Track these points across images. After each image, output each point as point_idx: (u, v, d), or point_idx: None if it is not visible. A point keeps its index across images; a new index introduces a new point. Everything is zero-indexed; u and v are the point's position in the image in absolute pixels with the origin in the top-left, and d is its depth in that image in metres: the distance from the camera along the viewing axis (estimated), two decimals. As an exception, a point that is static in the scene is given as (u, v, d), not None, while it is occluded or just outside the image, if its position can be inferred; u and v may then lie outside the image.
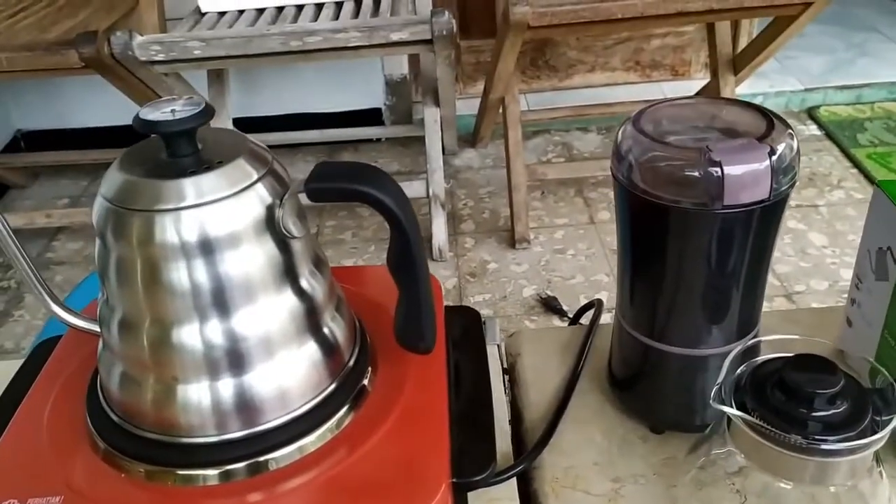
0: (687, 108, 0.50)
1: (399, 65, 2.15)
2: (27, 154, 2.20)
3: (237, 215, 0.43)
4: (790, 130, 0.46)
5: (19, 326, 1.60)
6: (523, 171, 1.69)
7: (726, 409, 0.42)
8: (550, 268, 1.64)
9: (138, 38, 1.33)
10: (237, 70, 2.01)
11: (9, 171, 2.05)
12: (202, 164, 0.43)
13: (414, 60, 2.15)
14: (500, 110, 1.74)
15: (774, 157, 0.43)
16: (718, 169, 0.43)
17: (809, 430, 0.41)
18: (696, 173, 0.44)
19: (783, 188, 0.45)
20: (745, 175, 0.43)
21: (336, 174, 0.44)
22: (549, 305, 1.53)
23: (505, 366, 0.65)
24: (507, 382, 0.63)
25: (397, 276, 0.46)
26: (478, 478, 0.46)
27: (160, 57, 1.34)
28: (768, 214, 0.46)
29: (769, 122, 0.46)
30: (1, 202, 2.04)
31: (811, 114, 2.17)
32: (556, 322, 1.49)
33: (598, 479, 0.52)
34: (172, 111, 0.42)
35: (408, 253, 0.44)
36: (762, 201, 0.44)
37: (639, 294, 0.52)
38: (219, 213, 0.42)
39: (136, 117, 0.42)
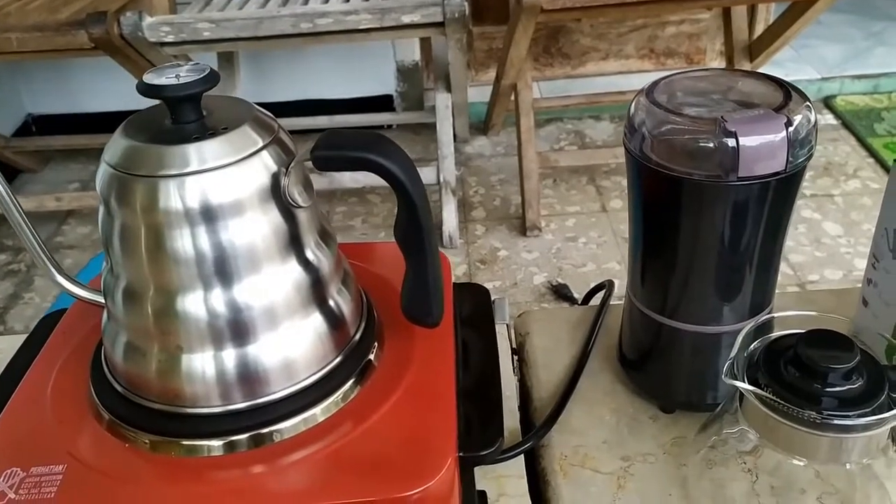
0: (702, 80, 0.49)
1: (411, 51, 2.14)
2: (38, 138, 2.20)
3: (241, 182, 0.42)
4: (807, 102, 0.45)
5: (29, 309, 1.60)
6: (535, 159, 1.68)
7: (739, 384, 0.41)
8: (561, 255, 1.63)
9: (148, 19, 1.32)
10: (247, 54, 2.00)
11: (20, 154, 2.05)
12: (207, 131, 0.42)
13: (426, 47, 2.14)
14: (513, 97, 1.73)
15: (791, 129, 0.42)
16: (733, 140, 0.42)
17: (824, 406, 0.40)
18: (711, 144, 0.43)
19: (800, 161, 0.44)
20: (761, 146, 0.42)
21: (343, 143, 0.43)
22: (560, 293, 1.52)
23: (514, 346, 0.64)
24: (515, 362, 0.62)
25: (404, 247, 0.45)
26: (484, 453, 0.45)
27: (169, 38, 1.34)
28: (784, 187, 0.45)
29: (786, 93, 0.45)
30: (12, 185, 2.04)
31: (828, 103, 2.15)
32: (567, 309, 1.48)
33: (607, 457, 0.51)
34: (177, 76, 0.42)
35: (415, 222, 0.44)
36: (778, 173, 0.43)
37: (651, 270, 0.51)
38: (223, 180, 0.41)
39: (141, 82, 0.41)
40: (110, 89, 2.10)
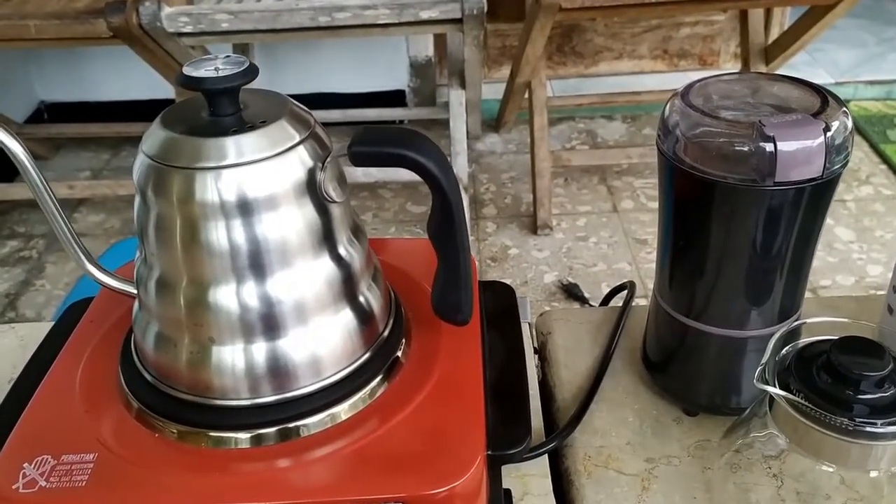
0: (737, 84, 0.49)
1: (424, 46, 2.14)
2: (50, 125, 2.21)
3: (278, 176, 0.42)
4: (844, 108, 0.45)
5: (40, 296, 1.60)
6: (547, 157, 1.68)
7: (771, 389, 0.41)
8: (572, 255, 1.63)
9: (167, 9, 1.32)
10: (262, 47, 2.00)
11: (32, 142, 2.05)
12: (245, 124, 0.42)
13: (439, 42, 2.14)
14: (526, 95, 1.73)
15: (829, 134, 0.42)
16: (771, 144, 0.42)
17: (855, 413, 0.40)
18: (748, 148, 0.43)
19: (836, 167, 0.43)
20: (799, 151, 0.42)
21: (380, 138, 0.43)
22: (571, 292, 1.52)
23: (535, 345, 0.64)
24: (537, 361, 0.62)
25: (437, 244, 0.45)
26: (512, 451, 0.45)
27: (188, 29, 1.34)
28: (819, 194, 0.45)
29: (823, 98, 0.45)
30: (24, 172, 2.05)
31: (840, 108, 2.14)
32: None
33: (631, 459, 0.51)
34: (216, 69, 0.42)
35: (449, 220, 0.44)
36: (814, 179, 0.43)
37: (679, 273, 0.51)
38: (260, 174, 0.41)
39: (180, 74, 0.41)
40: (122, 79, 2.11)
